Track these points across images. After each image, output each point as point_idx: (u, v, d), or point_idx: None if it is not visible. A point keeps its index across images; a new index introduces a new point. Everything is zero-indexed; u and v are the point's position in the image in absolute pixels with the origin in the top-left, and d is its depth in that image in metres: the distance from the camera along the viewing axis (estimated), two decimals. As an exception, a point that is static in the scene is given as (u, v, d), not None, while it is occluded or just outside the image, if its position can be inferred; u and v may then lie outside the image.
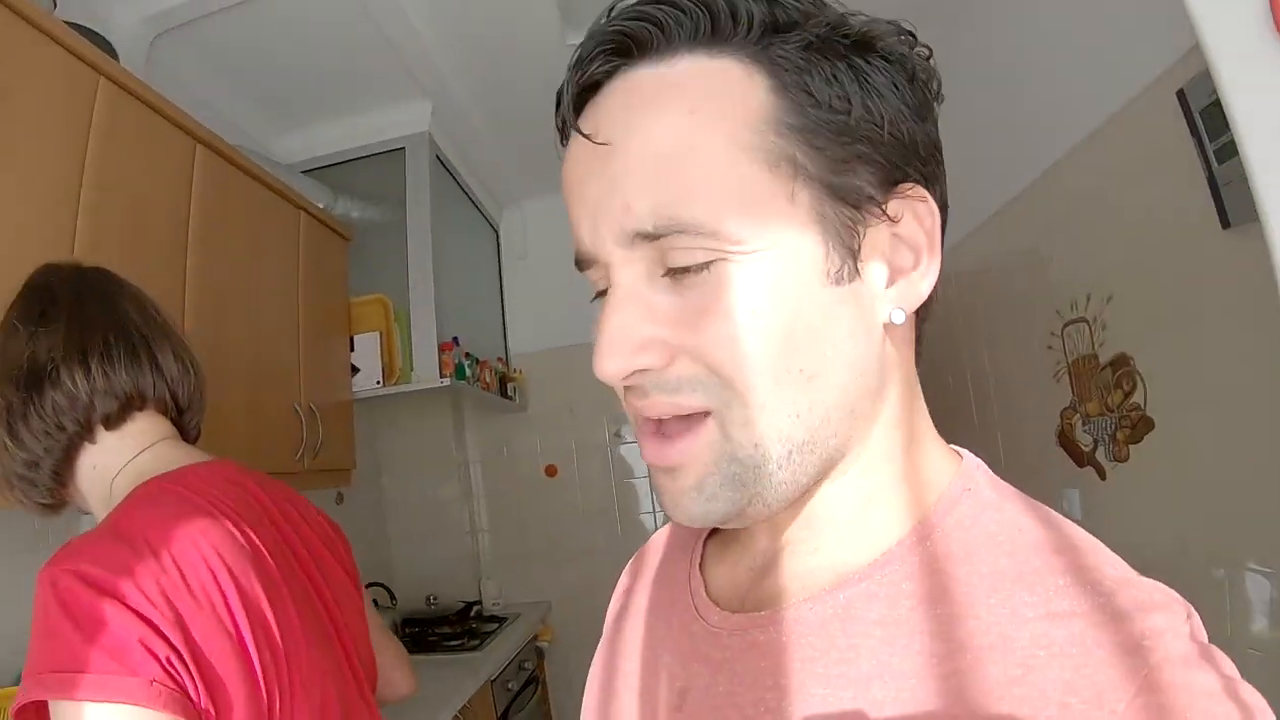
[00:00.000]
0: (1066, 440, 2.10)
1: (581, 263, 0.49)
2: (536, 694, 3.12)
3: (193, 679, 0.80)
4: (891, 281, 0.46)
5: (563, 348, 3.84)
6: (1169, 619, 0.39)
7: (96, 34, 1.52)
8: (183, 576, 0.85)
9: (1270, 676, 0.38)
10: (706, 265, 0.43)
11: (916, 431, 0.51)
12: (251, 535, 0.97)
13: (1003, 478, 0.51)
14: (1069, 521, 0.47)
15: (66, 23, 1.33)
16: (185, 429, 1.11)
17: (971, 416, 2.65)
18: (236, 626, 0.88)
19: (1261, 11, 0.85)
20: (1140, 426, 1.77)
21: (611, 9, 0.47)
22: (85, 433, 0.99)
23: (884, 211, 0.45)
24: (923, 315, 0.51)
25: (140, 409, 1.03)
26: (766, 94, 0.43)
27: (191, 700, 0.80)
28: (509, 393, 3.52)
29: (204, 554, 0.88)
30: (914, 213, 0.46)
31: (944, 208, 0.48)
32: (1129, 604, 0.40)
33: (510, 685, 2.82)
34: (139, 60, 1.97)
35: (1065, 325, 2.03)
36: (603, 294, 0.48)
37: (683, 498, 0.47)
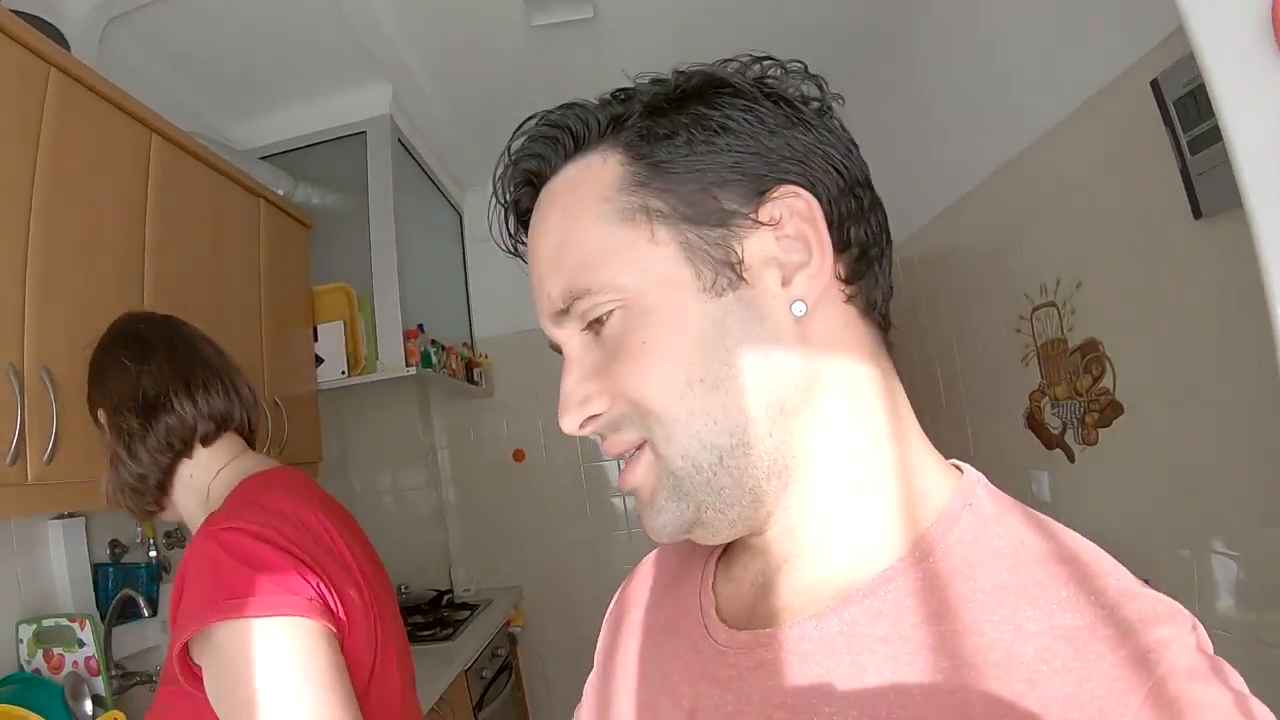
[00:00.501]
0: (1035, 423, 2.13)
1: (553, 346, 0.57)
2: (510, 680, 3.12)
3: (334, 601, 0.99)
4: (788, 280, 0.50)
5: (528, 331, 3.80)
6: (1174, 630, 0.39)
7: (47, 23, 1.46)
8: (309, 530, 1.08)
9: (1236, 657, 0.40)
10: (608, 314, 0.50)
11: (886, 432, 0.52)
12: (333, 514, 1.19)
13: (971, 460, 0.54)
14: (1071, 531, 0.47)
15: (14, 12, 1.27)
16: (253, 444, 1.32)
17: (939, 399, 2.68)
18: (350, 567, 1.11)
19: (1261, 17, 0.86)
20: (1109, 411, 1.80)
21: (508, 149, 0.57)
22: (187, 450, 1.19)
23: (756, 220, 0.50)
24: (863, 305, 0.53)
25: (226, 429, 1.24)
26: (617, 166, 0.51)
27: (335, 616, 0.98)
28: (475, 378, 3.49)
29: (317, 517, 1.12)
30: (791, 210, 0.50)
31: (852, 194, 0.52)
32: (1133, 616, 0.40)
33: (484, 673, 2.82)
34: (91, 49, 1.90)
35: (1034, 309, 2.06)
36: None
37: (645, 515, 0.53)
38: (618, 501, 3.84)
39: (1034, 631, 0.41)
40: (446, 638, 2.75)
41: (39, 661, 1.52)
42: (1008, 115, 2.07)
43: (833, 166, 0.51)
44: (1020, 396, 2.19)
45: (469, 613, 3.10)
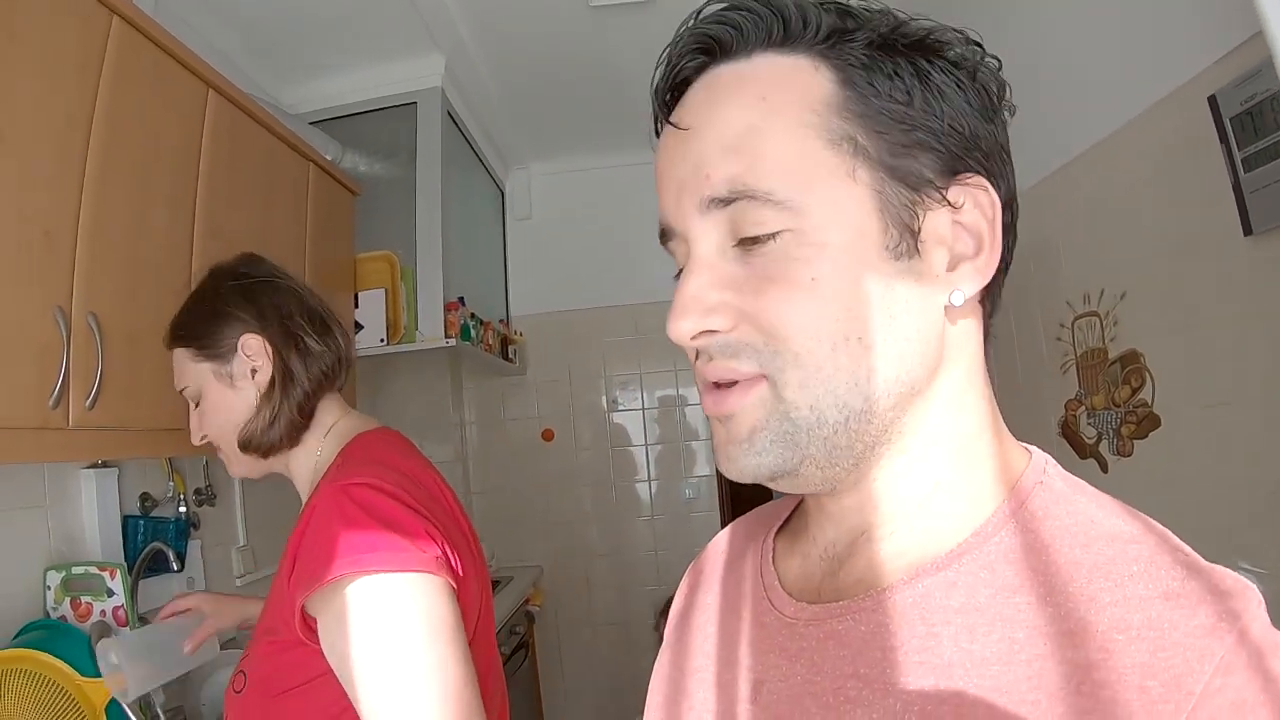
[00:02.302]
0: (1070, 432, 2.10)
1: (664, 235, 0.54)
2: (526, 658, 3.13)
3: (453, 558, 0.99)
4: (953, 266, 0.49)
5: (563, 311, 3.83)
6: (1244, 603, 0.39)
7: (110, -30, 1.46)
8: (428, 490, 1.10)
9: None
10: (774, 236, 0.46)
11: (986, 421, 0.52)
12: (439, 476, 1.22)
13: None
14: (1140, 513, 0.48)
15: (79, -43, 1.28)
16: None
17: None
18: (463, 529, 1.15)
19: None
20: (1146, 423, 1.77)
21: (698, 12, 0.51)
22: (331, 385, 1.23)
23: (944, 197, 0.48)
24: (989, 308, 0.53)
25: (345, 376, 1.27)
26: (831, 85, 0.47)
27: (453, 572, 0.99)
28: (509, 355, 3.50)
29: (432, 476, 1.16)
30: (975, 201, 0.48)
31: (1011, 206, 0.51)
32: (1204, 588, 0.40)
33: (502, 650, 2.82)
34: (148, 4, 1.90)
35: (1076, 318, 2.03)
36: (681, 270, 0.53)
37: (734, 449, 0.50)
38: (642, 487, 3.83)
39: (1107, 603, 0.41)
40: (467, 611, 2.76)
41: (65, 609, 1.53)
42: (1061, 122, 2.02)
43: (1008, 171, 0.51)
44: (1056, 404, 2.15)
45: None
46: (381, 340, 2.67)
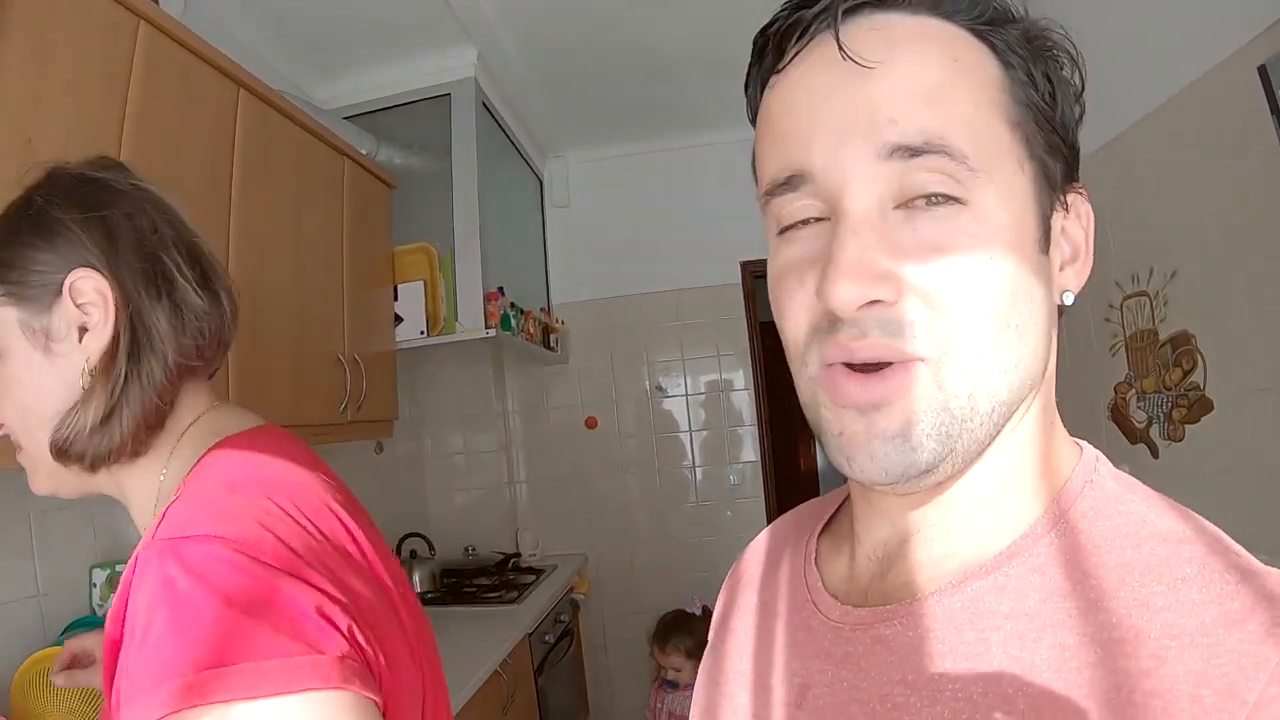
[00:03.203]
0: (1120, 415, 2.03)
1: (789, 182, 0.47)
2: (571, 646, 3.15)
3: (373, 646, 0.65)
4: (1063, 268, 0.49)
5: (604, 299, 3.81)
6: None
7: (136, -25, 1.48)
8: (319, 529, 0.70)
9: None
10: (946, 202, 0.43)
11: (1054, 419, 0.52)
12: (342, 494, 0.83)
13: None
14: (1193, 512, 0.46)
15: (105, -37, 1.29)
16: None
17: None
18: (381, 581, 0.75)
19: None
20: (1198, 407, 1.71)
21: None
22: (205, 364, 0.81)
23: (1064, 202, 0.49)
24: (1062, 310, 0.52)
25: (218, 353, 0.84)
26: (997, 68, 0.46)
27: (374, 672, 0.64)
28: (551, 344, 3.50)
29: (327, 504, 0.74)
30: (1078, 211, 0.50)
31: None
32: (1259, 592, 0.39)
33: (547, 638, 2.84)
34: (177, 6, 1.92)
35: (1125, 299, 1.96)
36: (793, 226, 0.48)
37: (880, 445, 0.44)
38: (688, 472, 3.81)
39: (1160, 607, 0.40)
40: (511, 601, 2.79)
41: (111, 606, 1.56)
42: (1107, 97, 1.94)
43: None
44: (1105, 387, 2.09)
45: (534, 577, 3.14)
46: (421, 332, 2.69)
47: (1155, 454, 1.88)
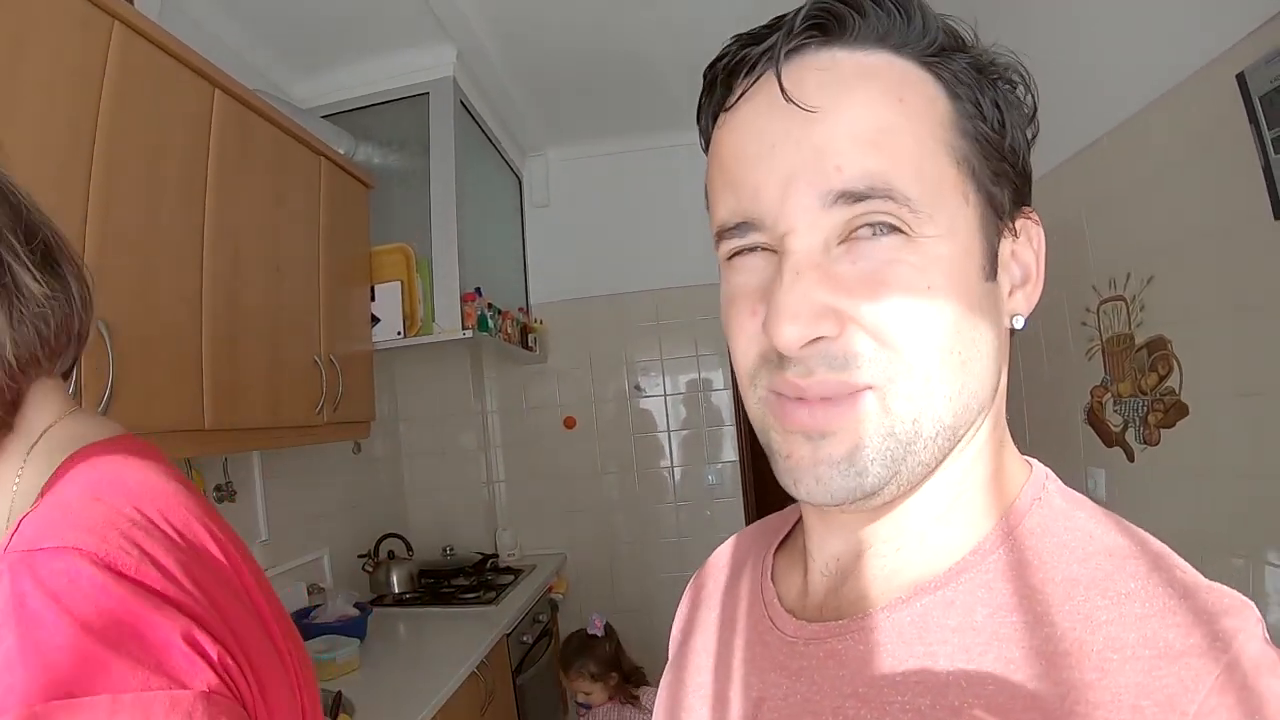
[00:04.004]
0: (1096, 419, 2.06)
1: (740, 229, 0.48)
2: (550, 647, 3.15)
3: (245, 677, 0.60)
4: (1012, 292, 0.51)
5: (583, 299, 3.81)
6: (1240, 621, 0.39)
7: (110, -26, 1.46)
8: (190, 545, 0.64)
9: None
10: (889, 234, 0.44)
11: (1004, 437, 0.53)
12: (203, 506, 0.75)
13: (1028, 454, 0.54)
14: (1138, 529, 0.47)
15: (78, -38, 1.28)
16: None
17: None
18: (255, 603, 0.70)
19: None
20: (1173, 411, 1.73)
21: None
22: (51, 358, 0.71)
23: (1013, 228, 0.50)
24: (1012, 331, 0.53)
25: (72, 352, 0.76)
26: (946, 101, 0.47)
27: (246, 703, 0.59)
28: (529, 343, 3.49)
29: (197, 517, 0.68)
30: (1028, 235, 0.51)
31: None
32: (1201, 606, 0.40)
33: (525, 638, 2.85)
34: (154, 4, 1.90)
35: (1102, 302, 1.98)
36: (741, 253, 0.50)
37: (826, 470, 0.45)
38: (666, 472, 3.82)
39: (1103, 621, 0.41)
40: (489, 601, 2.79)
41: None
42: (1084, 102, 1.97)
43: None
44: (1081, 391, 2.11)
45: (512, 577, 3.14)
46: (399, 333, 2.68)
47: (1131, 458, 1.90)
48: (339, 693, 1.72)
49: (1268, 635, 0.40)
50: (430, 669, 2.12)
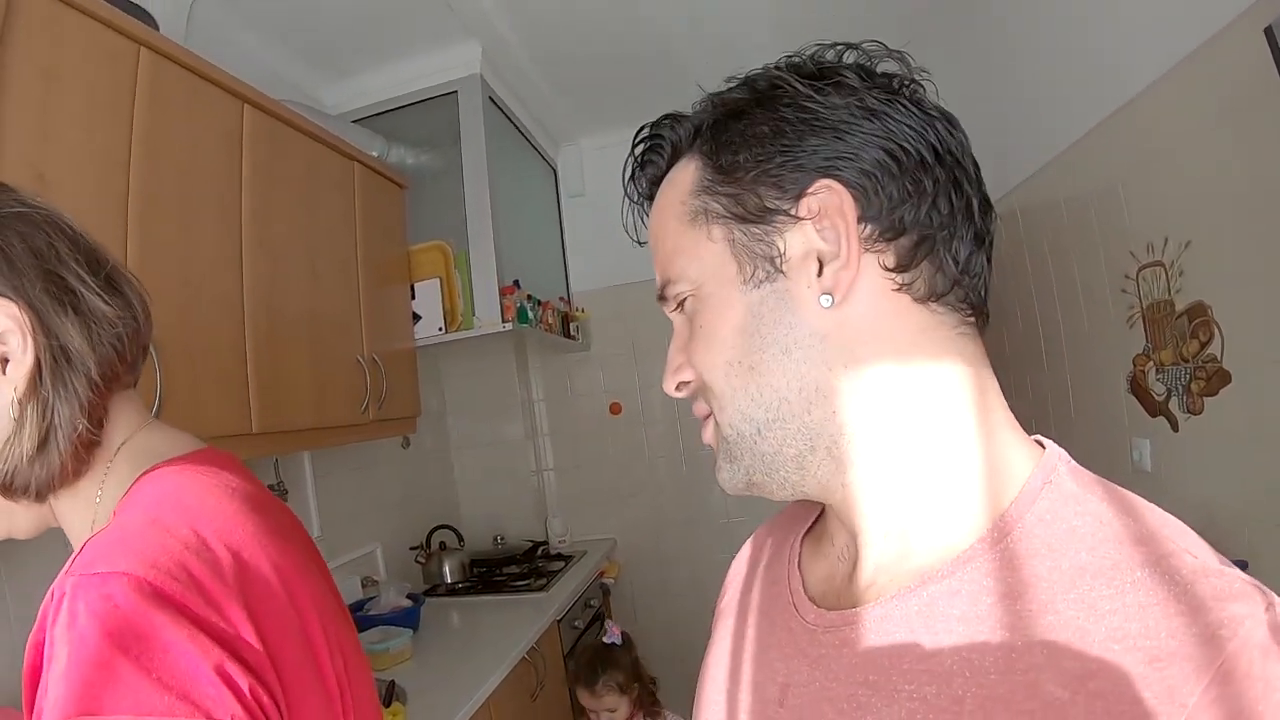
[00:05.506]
0: (1139, 388, 2.01)
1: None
2: (602, 631, 3.19)
3: (278, 709, 0.62)
4: (822, 271, 0.52)
5: (624, 285, 3.82)
6: (1248, 607, 0.39)
7: (134, 4, 1.51)
8: (243, 570, 0.66)
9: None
10: (686, 302, 0.58)
11: (994, 421, 0.53)
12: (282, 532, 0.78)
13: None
14: (1154, 508, 0.48)
15: (102, -4, 1.33)
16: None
17: (1041, 360, 2.55)
18: (307, 630, 0.71)
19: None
20: (1216, 379, 1.68)
21: (633, 154, 0.64)
22: (127, 371, 0.76)
23: (795, 215, 0.52)
24: (922, 293, 0.52)
25: (139, 366, 0.81)
26: (695, 171, 0.58)
27: None
28: (571, 332, 3.52)
29: (255, 538, 0.70)
30: (824, 205, 0.51)
31: (912, 180, 0.51)
32: (1206, 593, 0.40)
33: (576, 623, 2.89)
34: (179, 24, 1.96)
35: (1140, 269, 1.92)
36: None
37: (718, 470, 0.59)
38: (711, 454, 3.82)
39: (1107, 610, 0.42)
40: (540, 588, 2.84)
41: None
42: (1112, 64, 1.90)
43: (888, 152, 0.51)
44: (1124, 360, 2.05)
45: (563, 564, 3.19)
46: (440, 329, 2.73)
47: (1175, 427, 1.85)
48: (392, 682, 1.78)
49: (1279, 620, 0.39)
50: (482, 656, 2.18)
